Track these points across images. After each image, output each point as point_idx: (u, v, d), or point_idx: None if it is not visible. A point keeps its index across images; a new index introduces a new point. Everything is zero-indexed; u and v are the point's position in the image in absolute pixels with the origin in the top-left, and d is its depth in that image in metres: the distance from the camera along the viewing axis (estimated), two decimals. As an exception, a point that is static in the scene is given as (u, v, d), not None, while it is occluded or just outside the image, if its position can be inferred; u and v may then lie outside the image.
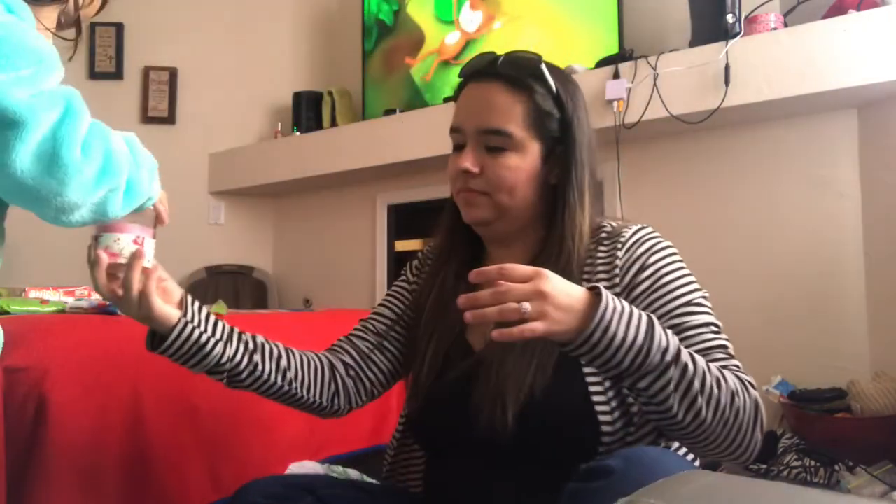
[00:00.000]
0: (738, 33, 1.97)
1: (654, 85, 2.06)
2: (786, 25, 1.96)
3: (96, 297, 1.68)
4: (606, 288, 0.81)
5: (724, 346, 0.87)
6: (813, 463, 1.56)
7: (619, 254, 0.93)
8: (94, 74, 3.34)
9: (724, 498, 0.46)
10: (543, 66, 0.95)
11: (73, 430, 1.18)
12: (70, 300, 1.60)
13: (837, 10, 1.89)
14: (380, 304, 1.13)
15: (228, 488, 1.47)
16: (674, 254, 0.93)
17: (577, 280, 0.86)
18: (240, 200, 3.55)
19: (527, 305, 0.72)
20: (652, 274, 0.91)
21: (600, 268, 0.94)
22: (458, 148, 0.97)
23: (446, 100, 2.70)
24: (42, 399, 1.15)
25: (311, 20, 3.56)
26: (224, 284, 3.38)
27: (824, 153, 2.03)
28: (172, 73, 3.39)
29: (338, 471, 1.61)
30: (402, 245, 3.05)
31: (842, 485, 1.50)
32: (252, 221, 3.59)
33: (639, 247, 0.93)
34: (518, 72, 0.94)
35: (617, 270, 0.92)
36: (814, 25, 1.85)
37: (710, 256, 2.15)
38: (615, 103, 2.12)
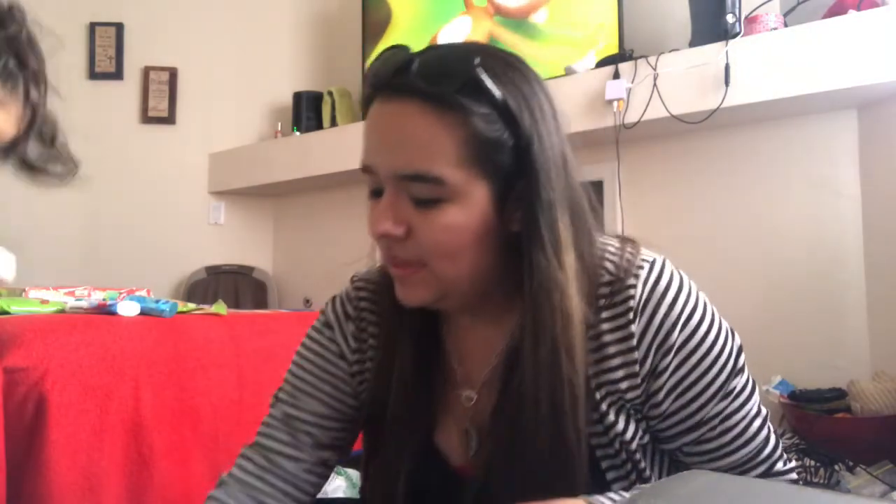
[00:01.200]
0: (738, 33, 1.97)
1: (654, 85, 2.06)
2: (786, 25, 1.96)
3: (96, 297, 1.67)
4: (625, 377, 0.68)
5: (767, 440, 0.71)
6: (813, 463, 1.56)
7: (634, 327, 0.68)
8: (94, 74, 3.34)
9: (724, 498, 0.46)
10: (480, 71, 0.63)
11: (73, 430, 1.18)
12: (70, 300, 1.60)
13: (837, 10, 1.89)
14: (297, 391, 0.82)
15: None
16: (697, 313, 0.69)
17: (581, 385, 0.66)
18: (240, 200, 3.54)
19: None
20: (674, 356, 0.68)
21: (612, 350, 0.69)
22: (376, 194, 0.68)
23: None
24: (42, 399, 1.15)
25: (311, 20, 3.56)
26: (224, 284, 3.38)
27: (824, 153, 2.03)
28: (172, 73, 3.38)
29: (338, 471, 1.61)
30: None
31: (842, 485, 1.50)
32: (252, 221, 3.58)
33: (656, 311, 0.68)
34: (442, 86, 0.63)
35: (634, 347, 0.68)
36: (814, 25, 1.85)
37: (710, 256, 2.15)
38: (615, 103, 2.12)
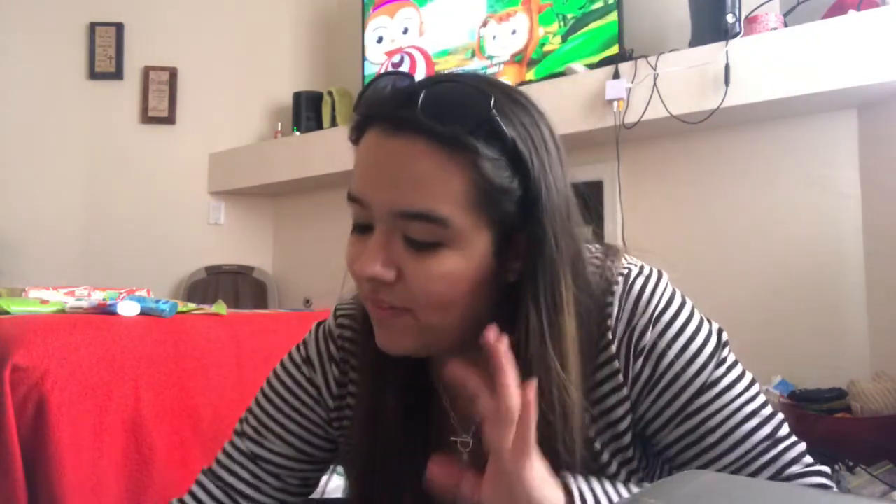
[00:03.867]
0: (738, 33, 1.97)
1: (654, 85, 2.06)
2: (786, 25, 1.96)
3: (96, 297, 1.67)
4: (617, 404, 0.65)
5: (770, 436, 0.64)
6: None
7: (613, 348, 0.65)
8: (94, 74, 3.34)
9: (724, 498, 0.45)
10: (495, 114, 0.58)
11: (74, 430, 1.18)
12: (70, 300, 1.60)
13: (837, 10, 1.89)
14: (265, 428, 0.77)
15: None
16: (670, 309, 0.66)
17: (577, 448, 0.62)
18: (240, 200, 3.55)
19: None
20: (649, 359, 0.65)
21: (606, 387, 0.66)
22: (364, 228, 0.62)
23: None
24: (42, 399, 1.15)
25: (311, 20, 3.56)
26: (224, 284, 3.38)
27: (824, 153, 2.03)
28: (172, 73, 3.39)
29: (338, 471, 1.61)
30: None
31: (842, 485, 1.50)
32: (252, 221, 3.59)
33: (630, 320, 0.65)
34: (453, 125, 0.57)
35: (618, 370, 0.65)
36: (814, 25, 1.85)
37: (710, 256, 2.15)
38: (615, 103, 2.12)
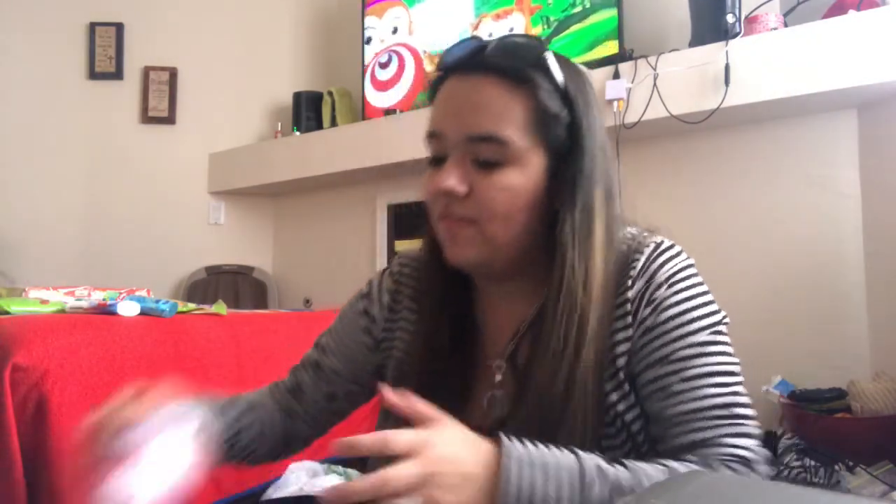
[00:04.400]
0: (738, 33, 1.97)
1: (654, 85, 2.06)
2: (786, 25, 1.96)
3: (96, 297, 1.67)
4: (622, 341, 0.73)
5: (728, 405, 0.70)
6: (813, 463, 1.56)
7: (630, 293, 0.74)
8: (94, 74, 3.34)
9: (724, 498, 0.46)
10: (549, 55, 0.73)
11: (73, 430, 1.18)
12: (70, 300, 1.60)
13: (837, 10, 1.89)
14: (330, 345, 0.92)
15: (229, 488, 1.47)
16: (688, 279, 0.75)
17: (603, 342, 0.72)
18: (240, 200, 3.55)
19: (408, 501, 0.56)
20: (656, 308, 0.73)
21: (624, 309, 0.75)
22: (438, 161, 0.76)
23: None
24: (42, 399, 1.15)
25: (311, 20, 3.56)
26: (224, 284, 3.38)
27: (824, 153, 2.03)
28: (172, 73, 3.39)
29: (338, 471, 1.61)
30: (402, 245, 3.05)
31: (842, 485, 1.50)
32: (252, 221, 3.59)
33: (653, 276, 0.74)
34: (516, 62, 0.72)
35: (629, 312, 0.74)
36: (814, 25, 1.85)
37: (709, 256, 2.15)
38: (615, 103, 2.12)
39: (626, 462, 0.65)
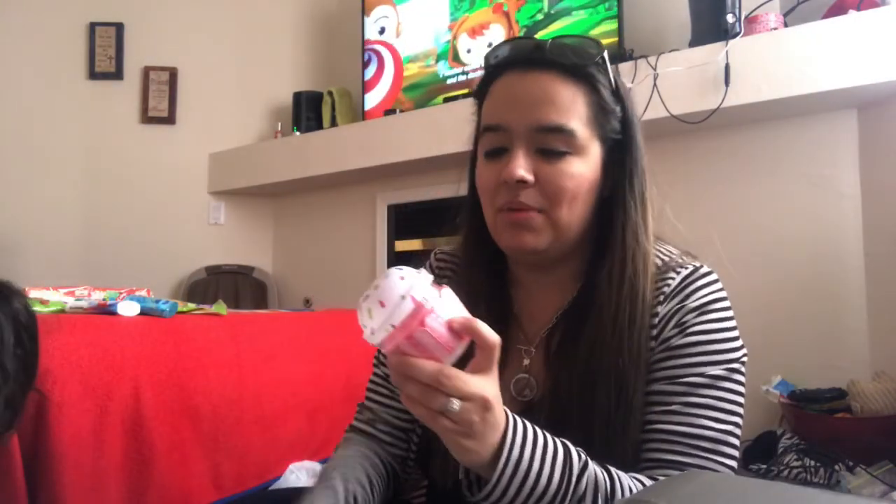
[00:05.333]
0: (738, 33, 1.97)
1: (654, 85, 2.06)
2: (786, 25, 1.96)
3: (96, 297, 1.67)
4: (648, 339, 0.76)
5: (716, 440, 0.73)
6: (813, 463, 1.56)
7: (660, 308, 0.77)
8: (94, 74, 3.34)
9: (724, 498, 0.46)
10: (605, 56, 0.79)
11: (73, 430, 1.18)
12: (70, 300, 1.60)
13: (837, 10, 1.89)
14: (381, 357, 0.94)
15: (229, 488, 1.47)
16: (720, 312, 0.77)
17: (641, 320, 0.76)
18: (240, 200, 3.55)
19: (455, 404, 0.60)
20: (683, 331, 0.76)
21: (652, 322, 0.78)
22: (497, 153, 0.79)
23: (446, 99, 2.70)
24: (42, 399, 1.15)
25: (311, 20, 3.56)
26: (224, 284, 3.38)
27: (824, 153, 2.03)
28: (172, 73, 3.39)
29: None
30: (402, 245, 3.05)
31: (842, 485, 1.50)
32: (252, 221, 3.59)
33: (682, 302, 0.77)
34: (577, 59, 0.77)
35: (655, 325, 0.77)
36: (814, 25, 1.85)
37: (709, 256, 2.15)
38: (615, 103, 2.12)
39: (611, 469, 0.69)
